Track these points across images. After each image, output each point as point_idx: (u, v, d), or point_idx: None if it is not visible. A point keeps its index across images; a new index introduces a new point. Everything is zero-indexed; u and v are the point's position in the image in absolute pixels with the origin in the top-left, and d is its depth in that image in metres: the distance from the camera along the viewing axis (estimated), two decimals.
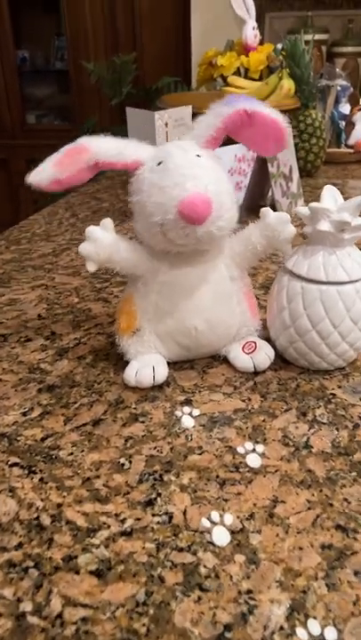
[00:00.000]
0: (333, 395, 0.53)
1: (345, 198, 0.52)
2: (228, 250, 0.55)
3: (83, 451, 0.47)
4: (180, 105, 1.08)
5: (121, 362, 0.58)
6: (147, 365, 0.55)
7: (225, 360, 0.59)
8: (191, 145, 0.51)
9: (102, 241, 0.51)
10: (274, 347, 0.58)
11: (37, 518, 0.41)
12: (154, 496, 0.42)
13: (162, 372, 0.55)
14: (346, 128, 1.53)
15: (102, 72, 2.15)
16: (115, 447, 0.47)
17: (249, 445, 0.47)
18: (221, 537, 0.39)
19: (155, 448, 0.47)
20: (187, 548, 0.38)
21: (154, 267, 0.53)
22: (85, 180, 0.52)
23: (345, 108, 1.56)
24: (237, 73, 1.37)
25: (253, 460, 0.45)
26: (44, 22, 2.77)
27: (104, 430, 0.49)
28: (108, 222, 0.52)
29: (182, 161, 0.48)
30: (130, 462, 0.46)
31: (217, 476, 0.44)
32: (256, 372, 0.57)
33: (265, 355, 0.56)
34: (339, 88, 1.54)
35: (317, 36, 1.76)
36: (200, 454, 0.46)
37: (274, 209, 0.53)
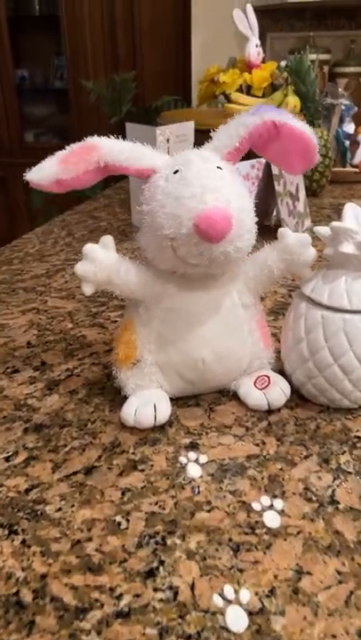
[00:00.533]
0: (359, 438, 0.47)
1: None
2: (242, 274, 0.50)
3: (73, 506, 0.41)
4: (182, 121, 1.04)
5: (118, 397, 0.52)
6: (147, 403, 0.48)
7: (234, 395, 0.53)
8: (212, 155, 0.46)
9: (102, 261, 0.46)
10: (289, 381, 0.52)
11: (17, 593, 0.34)
12: (155, 565, 0.36)
13: (164, 411, 0.48)
14: (351, 147, 1.49)
15: (102, 90, 2.13)
16: (110, 501, 0.41)
17: (266, 500, 0.41)
18: (238, 620, 0.32)
19: (156, 503, 0.41)
20: (196, 634, 0.31)
21: (158, 291, 0.48)
22: (91, 183, 0.46)
23: (349, 128, 1.53)
24: (240, 90, 1.33)
25: (272, 519, 0.39)
26: (44, 41, 2.76)
27: (98, 480, 0.43)
28: (108, 240, 0.46)
29: (202, 170, 0.43)
30: (127, 521, 0.39)
31: (230, 540, 0.37)
32: (270, 411, 0.50)
33: (280, 391, 0.50)
34: (343, 107, 1.51)
35: (320, 56, 1.74)
36: (209, 511, 0.40)
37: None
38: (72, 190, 0.46)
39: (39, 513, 0.40)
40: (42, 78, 2.89)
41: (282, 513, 0.40)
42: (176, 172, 0.44)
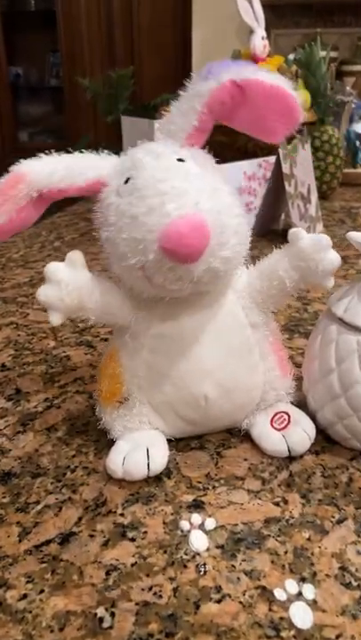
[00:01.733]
0: None
1: None
2: (247, 287, 0.40)
3: (42, 591, 0.31)
4: None
5: (104, 436, 0.43)
6: (139, 448, 0.39)
7: (246, 435, 0.44)
8: (167, 146, 0.36)
9: (69, 283, 0.36)
10: (313, 419, 0.43)
11: None
12: None
13: (159, 460, 0.39)
14: None
15: (98, 88, 2.04)
16: (90, 585, 0.32)
17: (291, 586, 0.31)
18: None
19: (150, 588, 0.31)
20: None
21: (144, 315, 0.39)
22: (33, 220, 0.38)
23: (359, 127, 1.45)
24: None
25: (301, 616, 0.30)
26: (40, 39, 2.67)
27: (76, 553, 0.34)
28: (75, 256, 0.37)
29: (157, 172, 0.34)
30: (112, 615, 0.30)
31: None
32: (291, 457, 0.41)
33: (302, 432, 0.41)
34: (353, 106, 1.43)
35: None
36: (219, 602, 0.31)
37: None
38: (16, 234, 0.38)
39: None
40: (37, 76, 2.81)
41: (314, 605, 0.30)
42: (127, 180, 0.35)
